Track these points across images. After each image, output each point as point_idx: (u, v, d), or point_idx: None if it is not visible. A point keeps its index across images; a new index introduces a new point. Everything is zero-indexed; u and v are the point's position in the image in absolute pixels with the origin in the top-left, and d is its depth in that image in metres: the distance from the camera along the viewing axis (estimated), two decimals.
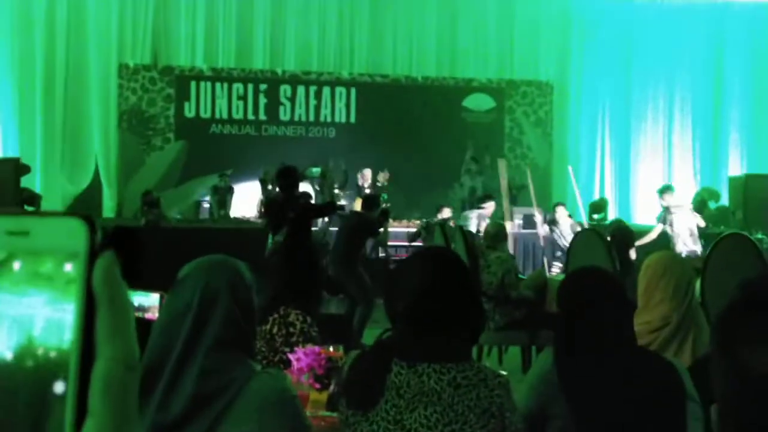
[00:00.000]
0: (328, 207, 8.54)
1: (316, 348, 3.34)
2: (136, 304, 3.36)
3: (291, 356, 3.33)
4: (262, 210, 9.11)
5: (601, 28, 16.81)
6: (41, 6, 14.93)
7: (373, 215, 9.05)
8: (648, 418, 2.36)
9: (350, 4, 16.24)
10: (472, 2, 16.45)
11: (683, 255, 9.44)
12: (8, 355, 0.52)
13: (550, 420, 2.49)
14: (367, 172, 13.25)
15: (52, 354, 0.52)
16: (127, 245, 2.22)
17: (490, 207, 10.98)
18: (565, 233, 11.25)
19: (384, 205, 9.43)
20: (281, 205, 8.05)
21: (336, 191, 13.60)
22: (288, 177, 8.08)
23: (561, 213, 11.75)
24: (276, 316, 3.89)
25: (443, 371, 2.17)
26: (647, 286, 3.32)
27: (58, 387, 0.52)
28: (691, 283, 3.44)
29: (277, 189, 8.38)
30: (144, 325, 3.25)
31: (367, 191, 12.85)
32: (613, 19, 16.70)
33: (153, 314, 3.41)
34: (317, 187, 11.58)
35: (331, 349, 3.55)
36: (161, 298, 3.35)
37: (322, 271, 4.33)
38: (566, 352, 2.53)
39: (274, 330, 3.86)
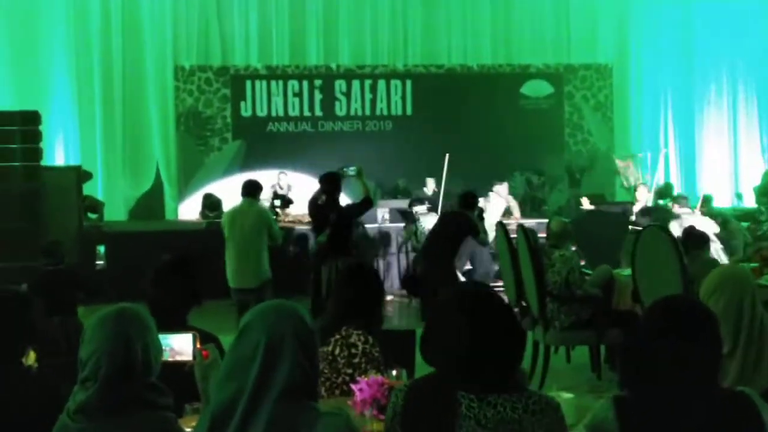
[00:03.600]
0: (364, 204, 8.66)
1: (379, 378, 3.28)
2: (169, 346, 3.23)
3: (354, 386, 3.27)
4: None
5: (660, 6, 16.45)
6: (96, 13, 15.08)
7: (473, 214, 9.08)
8: None
9: None
10: None
11: None
12: None
13: None
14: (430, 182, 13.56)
15: None
16: (185, 275, 2.24)
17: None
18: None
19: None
20: (323, 209, 8.27)
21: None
22: (330, 182, 8.50)
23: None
24: (338, 336, 3.84)
25: (515, 400, 2.28)
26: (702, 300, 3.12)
27: None
28: (753, 302, 3.06)
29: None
30: (175, 368, 3.19)
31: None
32: None
33: (186, 357, 3.30)
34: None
35: (394, 373, 3.50)
36: (194, 338, 3.27)
37: (383, 289, 4.26)
38: (633, 388, 2.41)
39: (336, 351, 3.81)
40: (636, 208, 11.22)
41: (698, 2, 16.39)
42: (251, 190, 8.47)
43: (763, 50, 16.45)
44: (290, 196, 13.76)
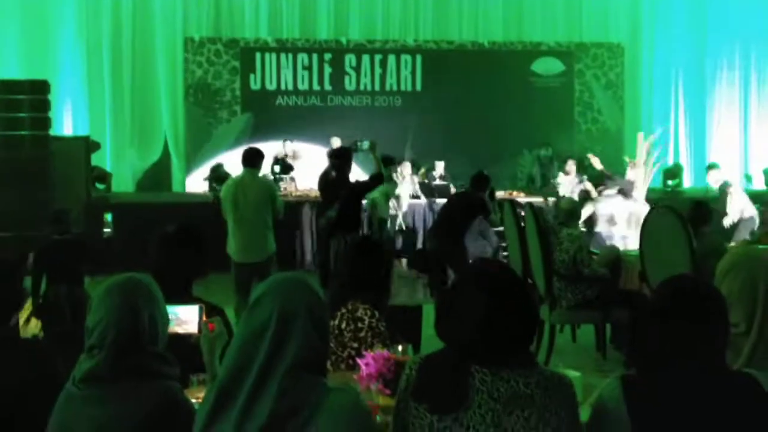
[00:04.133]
0: (375, 180, 8.56)
1: (385, 352, 3.27)
2: (175, 315, 3.18)
3: (360, 361, 3.27)
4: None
5: None
6: None
7: (484, 195, 9.09)
8: None
9: None
10: None
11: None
12: None
13: None
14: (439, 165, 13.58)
15: None
16: (191, 245, 2.20)
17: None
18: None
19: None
20: (333, 184, 8.27)
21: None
22: (340, 157, 8.46)
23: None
24: (344, 310, 3.83)
25: (528, 375, 2.28)
26: (714, 283, 3.07)
27: None
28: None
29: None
30: (181, 339, 3.18)
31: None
32: None
33: (192, 328, 3.27)
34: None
35: (399, 348, 3.49)
36: (200, 310, 3.24)
37: (391, 263, 4.25)
38: (640, 368, 2.40)
39: (342, 325, 3.81)
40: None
41: None
42: (253, 160, 7.83)
43: None
44: (291, 161, 13.72)
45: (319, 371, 2.21)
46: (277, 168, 13.33)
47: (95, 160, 13.03)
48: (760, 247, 6.82)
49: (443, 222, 9.34)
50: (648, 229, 6.78)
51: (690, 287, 2.46)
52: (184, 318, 3.22)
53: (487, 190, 9.18)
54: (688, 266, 5.98)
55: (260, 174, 8.19)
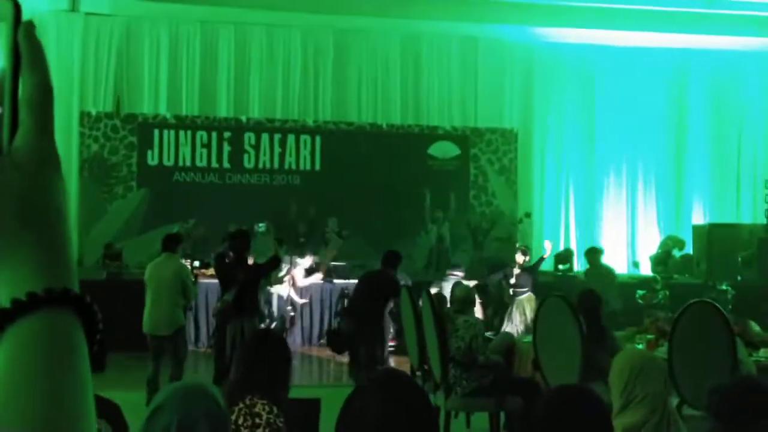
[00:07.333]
0: (272, 263, 8.59)
1: None
2: None
3: None
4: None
5: (564, 74, 16.92)
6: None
7: (395, 273, 9.07)
8: None
9: (314, 51, 16.23)
10: (435, 50, 16.53)
11: None
12: None
13: None
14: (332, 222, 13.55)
15: None
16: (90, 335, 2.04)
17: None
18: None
19: None
20: (231, 266, 8.27)
21: (301, 240, 13.70)
22: (237, 239, 8.50)
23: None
24: (241, 405, 3.79)
25: None
26: (626, 385, 3.27)
27: None
28: (668, 383, 3.46)
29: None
30: None
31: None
32: (576, 65, 16.83)
33: None
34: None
35: None
36: None
37: (290, 357, 4.24)
38: None
39: (240, 420, 3.75)
40: (516, 271, 11.39)
41: (601, 69, 16.87)
42: (169, 244, 8.72)
43: (662, 120, 17.04)
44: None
45: None
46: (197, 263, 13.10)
47: None
48: (648, 337, 7.13)
49: (357, 301, 9.26)
50: (540, 317, 6.95)
51: (576, 398, 2.59)
52: None
53: (398, 267, 9.19)
54: (578, 354, 6.13)
55: (178, 260, 8.83)
